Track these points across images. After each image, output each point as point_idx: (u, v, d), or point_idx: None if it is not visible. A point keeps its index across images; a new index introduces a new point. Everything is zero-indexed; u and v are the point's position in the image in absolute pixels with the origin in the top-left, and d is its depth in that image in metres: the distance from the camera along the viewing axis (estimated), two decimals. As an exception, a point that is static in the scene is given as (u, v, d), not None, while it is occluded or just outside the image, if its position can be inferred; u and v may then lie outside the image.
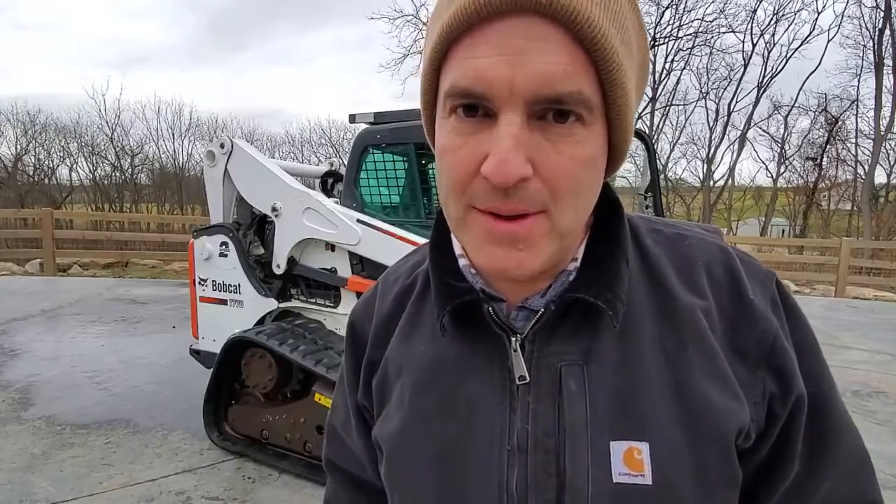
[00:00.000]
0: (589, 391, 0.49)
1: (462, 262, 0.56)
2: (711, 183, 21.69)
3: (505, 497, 0.50)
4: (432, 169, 3.20)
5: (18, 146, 19.09)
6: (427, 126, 0.52)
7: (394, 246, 2.75)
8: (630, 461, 0.48)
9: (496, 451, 0.50)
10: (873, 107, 17.62)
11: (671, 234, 0.57)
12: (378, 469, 0.63)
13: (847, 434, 0.55)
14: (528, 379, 0.51)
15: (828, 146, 20.19)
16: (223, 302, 3.31)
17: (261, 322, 3.22)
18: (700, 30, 18.78)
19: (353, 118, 3.27)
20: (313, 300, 3.23)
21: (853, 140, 19.85)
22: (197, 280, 3.36)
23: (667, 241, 0.57)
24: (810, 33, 18.62)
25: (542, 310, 0.51)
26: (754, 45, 19.03)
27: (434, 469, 0.53)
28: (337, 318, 3.17)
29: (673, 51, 19.39)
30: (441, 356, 0.56)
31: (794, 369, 0.51)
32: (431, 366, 0.56)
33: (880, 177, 19.27)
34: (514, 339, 0.51)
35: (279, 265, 3.12)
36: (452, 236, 0.56)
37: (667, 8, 18.39)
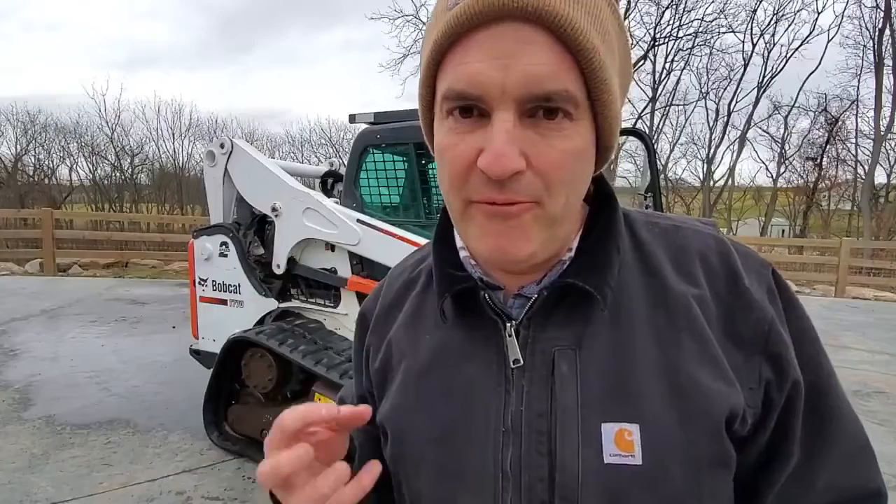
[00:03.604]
0: (580, 375, 0.51)
1: (463, 254, 0.59)
2: (711, 183, 21.70)
3: (500, 476, 0.52)
4: (432, 169, 3.20)
5: (18, 146, 19.08)
6: (426, 128, 0.55)
7: (394, 246, 2.75)
8: (621, 442, 0.49)
9: (491, 431, 0.53)
10: (873, 107, 17.63)
11: (667, 225, 0.59)
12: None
13: (847, 421, 0.55)
14: (522, 363, 0.53)
15: (828, 146, 20.19)
16: (223, 302, 3.31)
17: (261, 322, 3.22)
18: (700, 30, 18.78)
19: (353, 118, 3.28)
20: (313, 300, 3.23)
21: (853, 140, 19.86)
22: (197, 280, 3.36)
23: (663, 232, 0.58)
24: (810, 33, 18.66)
25: (536, 296, 0.53)
26: (754, 45, 19.05)
27: (434, 449, 0.56)
28: (337, 319, 3.17)
29: (673, 51, 19.41)
30: (443, 343, 0.58)
31: (789, 357, 0.52)
32: (434, 352, 0.59)
33: (880, 177, 19.28)
34: (508, 324, 0.54)
35: (279, 265, 3.12)
36: (455, 230, 0.59)
37: (667, 8, 18.38)
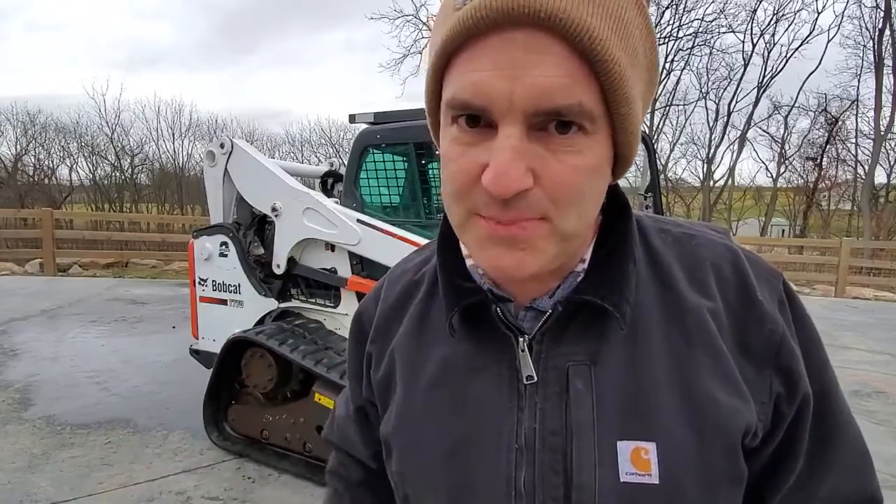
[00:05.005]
0: (596, 391, 0.50)
1: (469, 262, 0.57)
2: (711, 183, 21.68)
3: (513, 494, 0.50)
4: (432, 169, 3.20)
5: (18, 146, 19.08)
6: (433, 128, 0.53)
7: (394, 246, 2.75)
8: (637, 461, 0.48)
9: (504, 449, 0.51)
10: (873, 107, 17.62)
11: (679, 233, 0.58)
12: (377, 459, 0.65)
13: (849, 428, 0.55)
14: (535, 378, 0.51)
15: (828, 146, 20.18)
16: (223, 302, 3.31)
17: (261, 322, 3.22)
18: (700, 30, 18.80)
19: (353, 118, 3.28)
20: (313, 300, 3.23)
21: (853, 140, 19.83)
22: (197, 280, 3.36)
23: (675, 241, 0.57)
24: (810, 33, 18.60)
25: (550, 311, 0.52)
26: (754, 45, 19.03)
27: (444, 466, 0.54)
28: (337, 318, 3.17)
29: (673, 51, 19.39)
30: (451, 355, 0.56)
31: (800, 370, 0.51)
32: (442, 364, 0.57)
33: (880, 177, 19.25)
34: (521, 339, 0.52)
35: (279, 265, 3.12)
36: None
37: (667, 8, 18.40)
